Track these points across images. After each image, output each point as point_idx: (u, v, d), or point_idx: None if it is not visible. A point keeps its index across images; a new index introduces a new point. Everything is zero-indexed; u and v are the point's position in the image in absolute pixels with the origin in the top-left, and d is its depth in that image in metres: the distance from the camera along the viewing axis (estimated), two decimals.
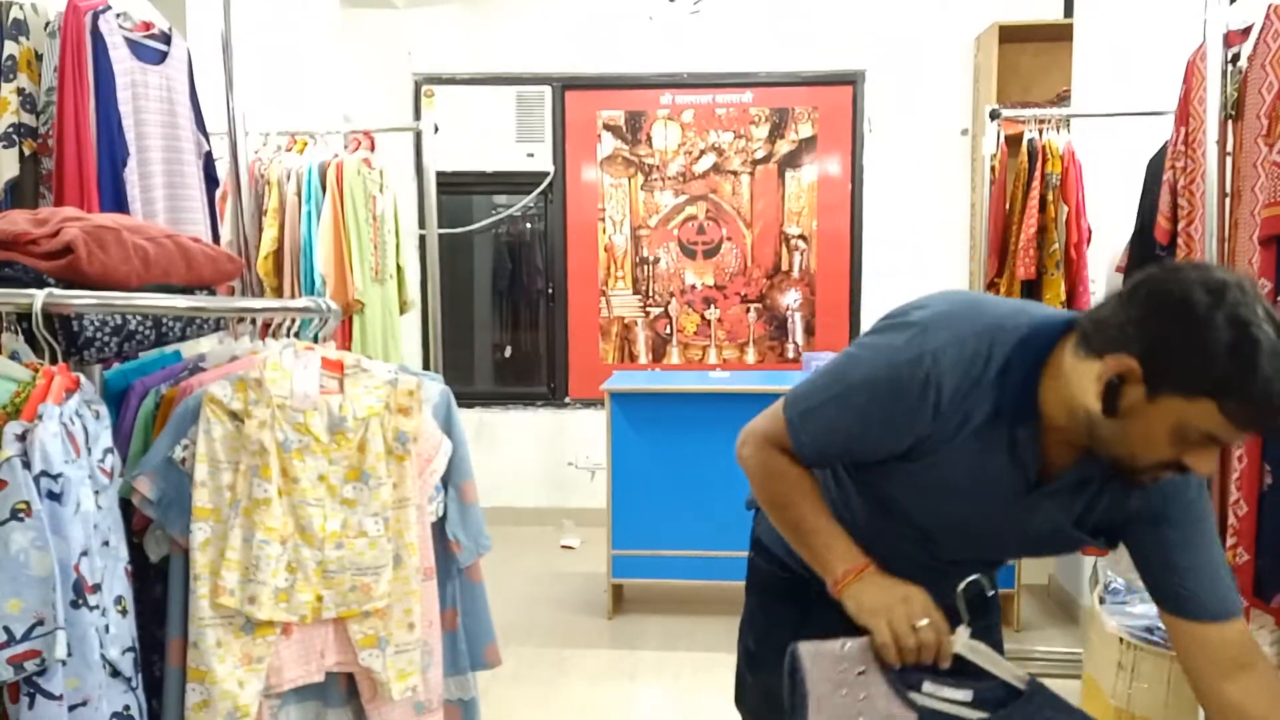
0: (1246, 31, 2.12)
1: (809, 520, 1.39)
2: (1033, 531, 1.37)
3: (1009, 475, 1.30)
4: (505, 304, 5.41)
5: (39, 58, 2.10)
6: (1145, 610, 2.79)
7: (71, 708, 1.24)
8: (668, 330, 5.22)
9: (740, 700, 1.72)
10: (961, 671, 1.29)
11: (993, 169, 3.40)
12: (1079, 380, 1.20)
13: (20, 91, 2.06)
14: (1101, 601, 2.88)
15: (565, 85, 5.10)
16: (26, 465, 1.19)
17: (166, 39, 2.38)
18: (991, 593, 1.57)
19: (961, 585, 1.31)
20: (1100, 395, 1.17)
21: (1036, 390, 1.26)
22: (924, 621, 1.26)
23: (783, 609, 1.58)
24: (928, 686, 1.27)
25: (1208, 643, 1.31)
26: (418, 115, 5.00)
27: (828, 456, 1.42)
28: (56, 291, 1.36)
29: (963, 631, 1.29)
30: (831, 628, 1.39)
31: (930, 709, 1.27)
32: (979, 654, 1.28)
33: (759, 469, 1.43)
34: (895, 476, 1.37)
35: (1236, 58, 2.13)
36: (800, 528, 1.40)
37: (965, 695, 1.27)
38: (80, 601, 1.24)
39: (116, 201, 2.13)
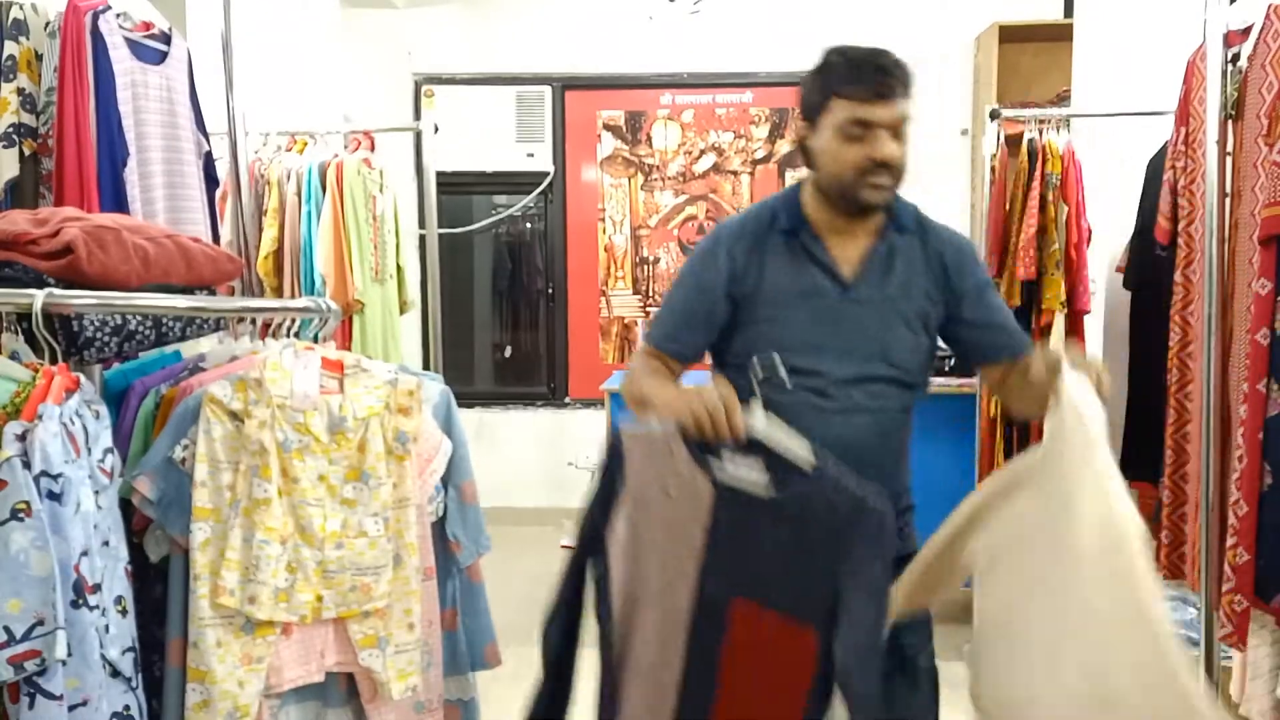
0: (1246, 31, 2.12)
1: (649, 382, 1.62)
2: (882, 320, 1.64)
3: (824, 280, 1.64)
4: (505, 304, 5.41)
5: (39, 58, 2.10)
6: None
7: (71, 708, 1.24)
8: None
9: None
10: (763, 453, 1.41)
11: (993, 169, 3.40)
12: (803, 173, 1.71)
13: (20, 91, 2.06)
14: None
15: (565, 85, 5.10)
16: (26, 465, 1.19)
17: (166, 39, 2.38)
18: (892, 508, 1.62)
19: (755, 364, 1.47)
20: (804, 160, 1.68)
21: (801, 207, 1.69)
22: (713, 396, 1.42)
23: None
24: (726, 459, 1.42)
25: (1011, 367, 1.68)
26: (418, 115, 5.00)
27: (677, 338, 1.71)
28: (56, 291, 1.36)
29: (756, 407, 1.42)
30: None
31: (726, 484, 1.42)
32: (771, 433, 1.40)
33: (624, 381, 1.71)
34: (752, 333, 1.64)
35: (1236, 58, 2.12)
36: (644, 393, 1.59)
37: (761, 476, 1.41)
38: (80, 601, 1.24)
39: (116, 201, 2.13)
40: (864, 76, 1.53)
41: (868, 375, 1.63)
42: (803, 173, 1.74)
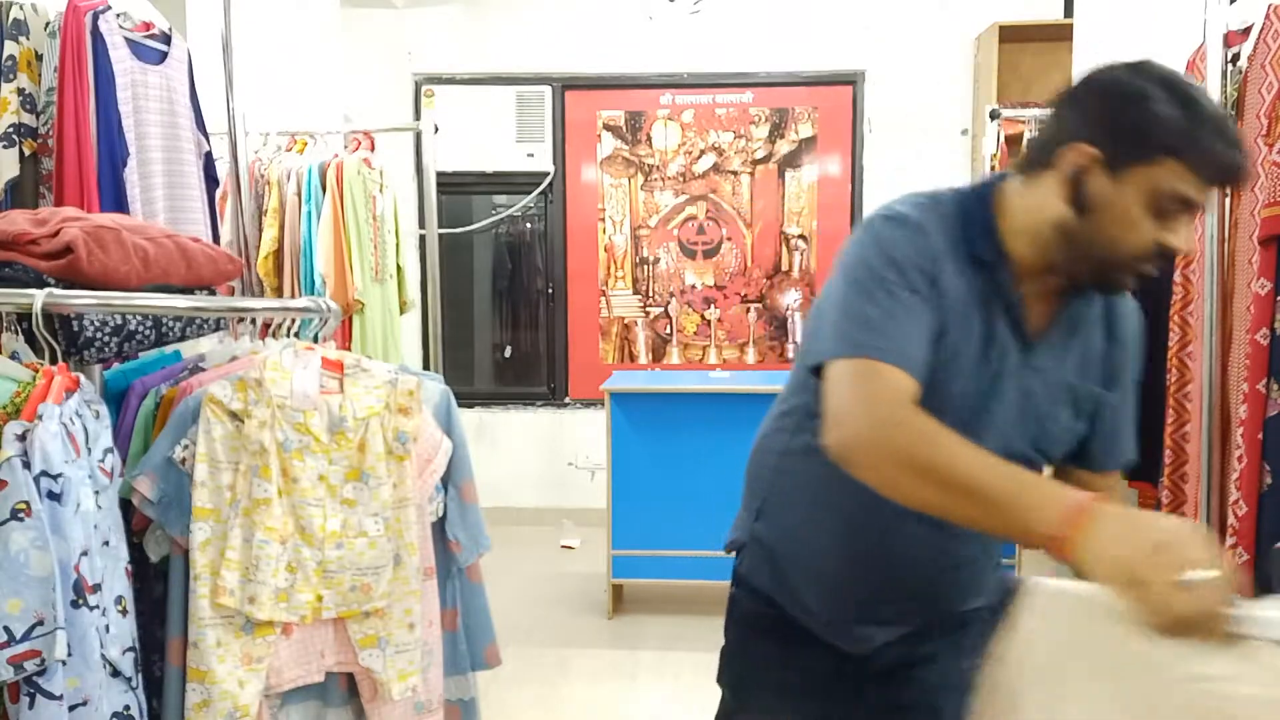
0: (1246, 31, 2.12)
1: (976, 466, 1.06)
2: (1050, 397, 1.29)
3: (1009, 334, 1.25)
4: (505, 304, 5.41)
5: (39, 58, 2.10)
6: None
7: (71, 707, 1.24)
8: (668, 330, 5.22)
9: None
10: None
11: (993, 169, 3.41)
12: (1038, 198, 1.21)
13: (20, 91, 2.06)
14: None
15: (565, 85, 5.10)
16: (26, 465, 1.19)
17: (166, 39, 2.38)
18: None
19: None
20: (1068, 196, 1.17)
21: (998, 235, 1.24)
22: (1196, 574, 0.85)
23: (764, 646, 1.47)
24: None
25: (1094, 482, 1.35)
26: (418, 115, 5.00)
27: (916, 356, 1.17)
28: (56, 291, 1.36)
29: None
30: (815, 669, 1.39)
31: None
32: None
33: (876, 442, 1.10)
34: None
35: (1236, 58, 2.13)
36: (971, 482, 1.05)
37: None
38: (80, 601, 1.24)
39: (116, 201, 2.13)
40: (1224, 153, 1.12)
41: (1012, 456, 1.17)
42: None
